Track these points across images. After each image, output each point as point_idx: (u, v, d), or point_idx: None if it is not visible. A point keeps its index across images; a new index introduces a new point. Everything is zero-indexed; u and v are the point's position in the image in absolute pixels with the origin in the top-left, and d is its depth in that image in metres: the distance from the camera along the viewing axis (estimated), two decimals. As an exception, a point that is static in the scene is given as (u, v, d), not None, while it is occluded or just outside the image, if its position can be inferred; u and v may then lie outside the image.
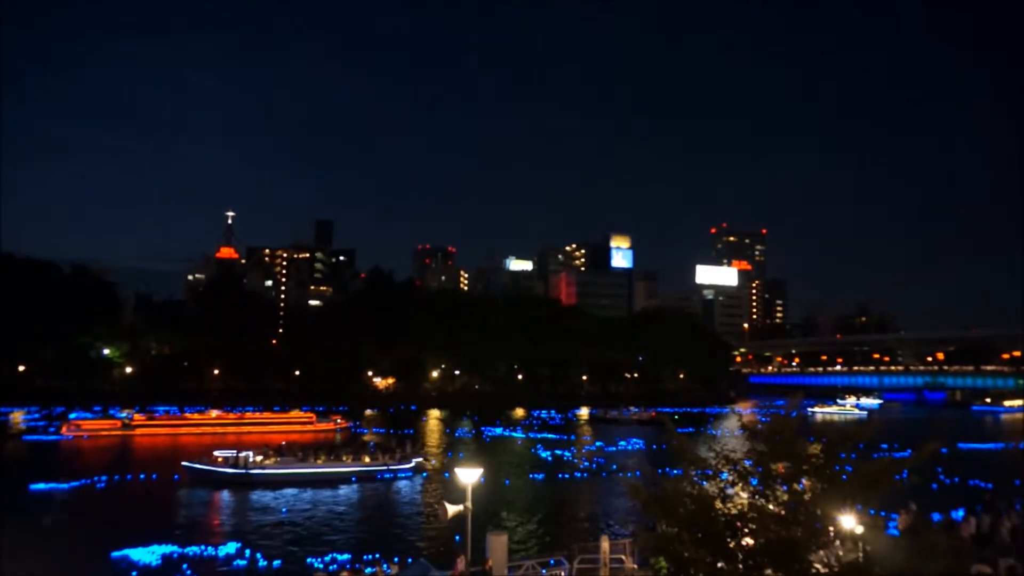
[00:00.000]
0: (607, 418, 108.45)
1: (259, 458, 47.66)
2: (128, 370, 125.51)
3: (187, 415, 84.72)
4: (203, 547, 30.55)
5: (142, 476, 48.69)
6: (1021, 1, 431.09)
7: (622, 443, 74.25)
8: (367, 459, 50.32)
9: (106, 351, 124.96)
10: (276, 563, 28.91)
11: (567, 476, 52.72)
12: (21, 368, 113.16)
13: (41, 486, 43.37)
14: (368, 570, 22.97)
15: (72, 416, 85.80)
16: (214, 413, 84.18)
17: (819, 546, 12.23)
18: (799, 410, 13.95)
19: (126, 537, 30.63)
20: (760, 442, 13.09)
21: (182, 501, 42.26)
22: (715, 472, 12.98)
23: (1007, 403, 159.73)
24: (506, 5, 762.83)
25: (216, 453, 48.74)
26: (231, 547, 30.71)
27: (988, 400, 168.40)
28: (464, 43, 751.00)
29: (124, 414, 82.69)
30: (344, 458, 49.98)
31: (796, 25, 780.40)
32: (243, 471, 46.37)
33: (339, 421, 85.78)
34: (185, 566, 28.15)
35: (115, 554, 28.89)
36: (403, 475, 50.64)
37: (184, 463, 48.87)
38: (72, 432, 71.52)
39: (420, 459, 53.60)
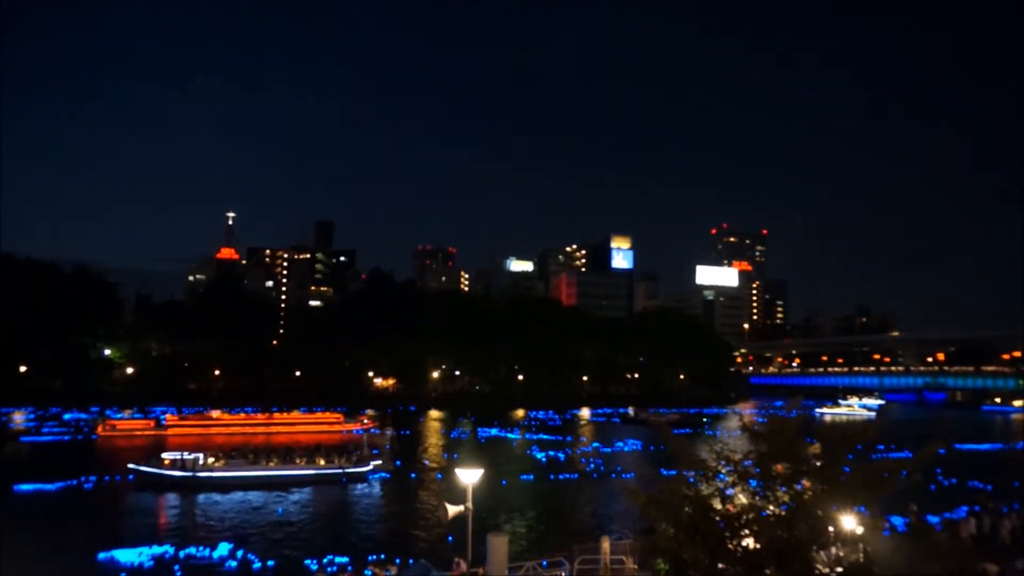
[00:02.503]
0: (639, 419, 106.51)
1: (211, 460, 46.53)
2: (128, 371, 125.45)
3: (218, 415, 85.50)
4: (198, 548, 30.52)
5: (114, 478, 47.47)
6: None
7: (619, 444, 74.11)
8: (322, 461, 49.20)
9: (106, 352, 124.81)
10: (258, 564, 28.89)
11: (555, 477, 52.34)
12: (22, 369, 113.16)
13: (26, 487, 43.19)
14: (367, 572, 22.88)
15: (67, 416, 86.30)
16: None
17: (821, 547, 12.23)
18: (804, 411, 13.93)
19: (113, 538, 30.69)
20: (760, 443, 13.09)
21: (126, 505, 41.21)
22: (713, 473, 12.97)
23: (1016, 403, 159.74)
24: (508, 7, 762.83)
25: (164, 455, 47.33)
26: (223, 548, 30.65)
27: (998, 400, 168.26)
28: (466, 43, 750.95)
29: (121, 415, 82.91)
30: (298, 461, 48.93)
31: (795, 25, 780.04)
32: (190, 474, 45.23)
33: (367, 421, 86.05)
34: (176, 568, 28.12)
35: (102, 555, 29.01)
36: (376, 476, 50.23)
37: (131, 465, 47.42)
38: (108, 432, 72.39)
39: (379, 462, 52.22)
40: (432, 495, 45.27)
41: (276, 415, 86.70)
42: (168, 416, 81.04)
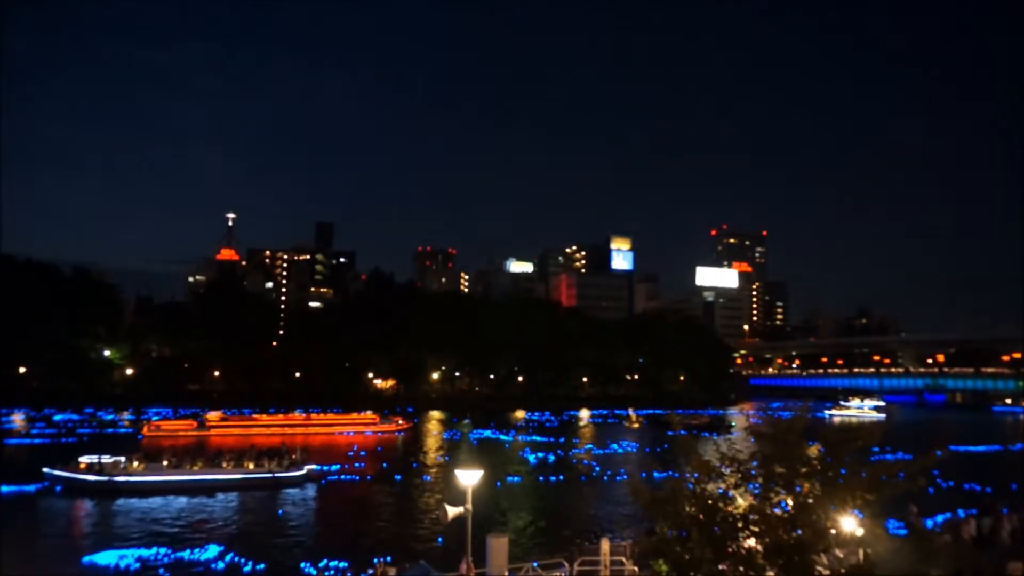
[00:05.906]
0: (666, 421, 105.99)
1: (134, 464, 44.85)
2: (128, 372, 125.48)
3: (257, 416, 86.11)
4: (189, 551, 30.39)
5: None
6: None
7: (613, 445, 73.83)
8: (251, 466, 47.43)
9: (107, 353, 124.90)
10: (235, 567, 28.76)
11: (543, 479, 51.93)
12: (22, 370, 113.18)
13: (6, 488, 42.80)
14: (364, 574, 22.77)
15: (57, 418, 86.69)
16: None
17: (824, 548, 12.22)
18: (809, 412, 13.81)
19: (98, 541, 30.59)
20: (764, 444, 13.09)
21: (44, 512, 39.47)
22: (716, 473, 12.96)
23: None
24: (504, 7, 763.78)
25: (81, 459, 44.68)
26: (213, 550, 30.48)
27: (1008, 401, 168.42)
28: (464, 45, 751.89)
29: (115, 416, 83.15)
30: (224, 465, 47.17)
31: (794, 25, 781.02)
32: (107, 478, 43.32)
33: (401, 423, 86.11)
34: (162, 571, 28.00)
35: (86, 559, 28.96)
36: (338, 479, 49.84)
37: (45, 469, 44.78)
38: (153, 433, 73.39)
39: (311, 466, 50.09)
40: (391, 497, 44.88)
41: (314, 416, 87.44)
42: (208, 416, 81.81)
